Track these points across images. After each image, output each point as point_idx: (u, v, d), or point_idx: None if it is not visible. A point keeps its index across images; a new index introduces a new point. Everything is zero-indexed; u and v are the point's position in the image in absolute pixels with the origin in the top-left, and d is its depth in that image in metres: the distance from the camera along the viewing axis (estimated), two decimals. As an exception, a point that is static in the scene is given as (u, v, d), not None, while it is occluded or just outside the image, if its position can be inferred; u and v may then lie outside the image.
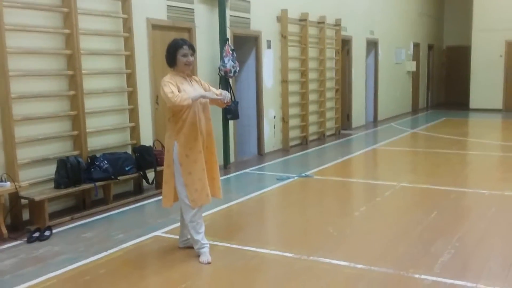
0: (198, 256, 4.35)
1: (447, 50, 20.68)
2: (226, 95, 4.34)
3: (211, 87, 4.50)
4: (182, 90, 4.14)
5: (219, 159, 8.27)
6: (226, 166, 8.24)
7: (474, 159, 9.27)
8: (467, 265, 4.18)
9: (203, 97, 4.23)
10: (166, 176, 4.36)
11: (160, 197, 6.43)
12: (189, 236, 4.53)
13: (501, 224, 5.27)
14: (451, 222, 5.27)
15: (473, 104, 17.52)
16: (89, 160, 5.91)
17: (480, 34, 17.19)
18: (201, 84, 4.45)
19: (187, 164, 4.20)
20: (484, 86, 17.23)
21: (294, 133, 10.51)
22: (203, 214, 5.61)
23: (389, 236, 4.96)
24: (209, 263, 4.26)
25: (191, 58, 4.30)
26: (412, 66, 17.01)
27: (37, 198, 5.23)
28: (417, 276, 3.94)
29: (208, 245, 4.39)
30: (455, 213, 5.66)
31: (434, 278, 3.90)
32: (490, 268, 4.10)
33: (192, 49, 4.34)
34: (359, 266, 4.16)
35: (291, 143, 10.34)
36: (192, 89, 4.24)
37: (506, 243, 4.71)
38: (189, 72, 4.41)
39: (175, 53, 4.26)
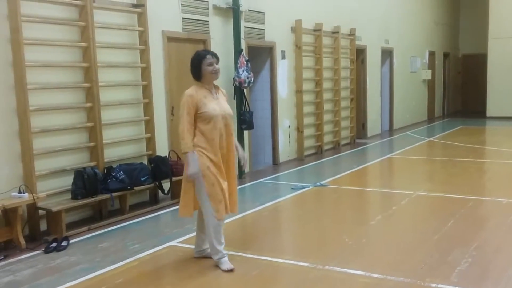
0: (218, 265, 4.36)
1: (463, 58, 20.56)
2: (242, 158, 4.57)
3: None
4: (204, 104, 4.17)
5: (235, 170, 8.30)
6: (241, 176, 8.26)
7: (491, 167, 9.17)
8: (485, 274, 4.14)
9: (190, 173, 4.17)
10: (186, 186, 4.36)
11: (176, 207, 6.52)
12: (204, 247, 4.55)
13: (519, 233, 5.21)
14: (468, 231, 5.22)
15: (490, 112, 17.37)
16: (105, 171, 5.98)
17: (496, 41, 17.07)
18: (227, 99, 4.51)
19: (210, 176, 4.20)
20: (501, 94, 17.07)
21: (309, 143, 10.51)
22: (226, 221, 5.66)
23: (405, 245, 4.93)
24: (232, 270, 4.28)
25: (217, 66, 4.31)
26: (427, 74, 16.94)
27: (54, 209, 5.30)
28: (433, 285, 3.91)
29: (227, 255, 4.41)
30: (472, 221, 5.61)
31: (451, 287, 3.86)
32: (509, 277, 4.05)
33: (216, 57, 4.35)
34: (375, 275, 4.14)
35: (306, 153, 10.34)
36: (215, 103, 4.26)
37: (524, 252, 4.66)
38: (215, 83, 4.42)
39: (200, 64, 4.26)
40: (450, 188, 7.20)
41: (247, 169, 4.52)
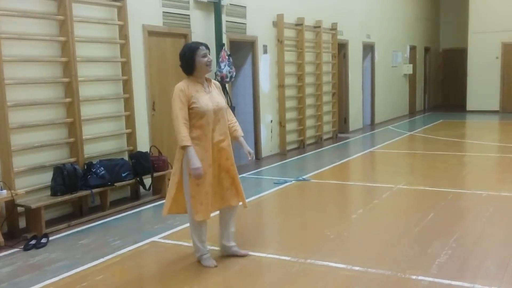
0: (199, 261, 4.33)
1: (443, 52, 20.74)
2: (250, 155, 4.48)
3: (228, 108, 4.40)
4: (196, 98, 4.02)
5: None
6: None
7: (472, 160, 9.28)
8: (464, 265, 4.18)
9: (192, 164, 3.96)
10: (170, 184, 4.22)
11: (157, 203, 6.52)
12: (230, 244, 4.43)
13: (498, 225, 5.27)
14: (448, 223, 5.28)
15: (470, 106, 17.57)
16: (85, 167, 5.91)
17: (476, 36, 17.25)
18: (221, 91, 4.34)
19: None
20: (480, 88, 17.27)
21: (291, 137, 10.52)
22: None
23: (386, 238, 4.96)
24: (215, 266, 4.25)
25: (210, 58, 4.16)
26: (408, 69, 17.06)
27: (33, 206, 5.23)
28: (414, 277, 3.94)
29: (209, 252, 4.36)
30: (452, 214, 5.67)
31: (431, 279, 3.90)
32: (487, 269, 4.10)
33: (208, 48, 4.20)
34: (356, 268, 4.16)
35: (288, 147, 10.35)
36: (208, 97, 4.10)
37: (503, 243, 4.72)
38: (208, 76, 4.27)
39: (193, 56, 4.07)
40: (430, 181, 7.27)
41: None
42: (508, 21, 16.58)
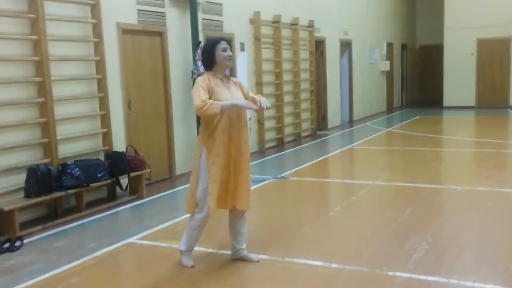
0: (180, 256, 4.28)
1: (420, 49, 20.93)
2: (264, 102, 4.08)
3: (250, 92, 4.27)
4: (216, 92, 3.95)
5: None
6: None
7: (448, 156, 9.38)
8: (440, 260, 4.21)
9: (235, 106, 3.97)
10: (191, 181, 4.17)
11: (135, 203, 6.45)
12: (240, 246, 4.32)
13: (474, 219, 5.33)
14: (425, 219, 5.32)
15: (446, 102, 17.76)
16: (60, 168, 5.81)
17: (452, 32, 17.44)
18: (240, 88, 4.23)
19: (213, 172, 4.00)
20: (456, 84, 17.47)
21: (270, 135, 10.52)
22: (181, 219, 5.61)
23: (363, 234, 4.98)
24: (192, 266, 4.22)
25: (230, 53, 4.10)
26: (386, 65, 17.18)
27: (6, 208, 5.12)
28: (391, 273, 3.96)
29: (191, 251, 4.31)
30: (428, 209, 5.71)
31: (408, 275, 3.92)
32: (463, 263, 4.14)
33: (229, 44, 4.15)
34: (334, 265, 4.17)
35: (267, 145, 10.34)
36: (228, 92, 4.03)
37: (478, 238, 4.77)
38: (228, 73, 4.21)
39: (213, 50, 4.03)
40: (407, 177, 7.33)
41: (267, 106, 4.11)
42: (483, 18, 16.79)
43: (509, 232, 4.89)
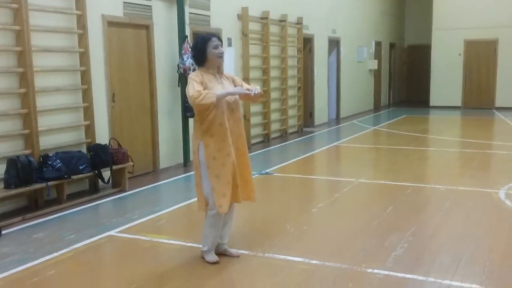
0: (203, 256, 4.21)
1: (408, 48, 21.02)
2: (255, 88, 4.03)
3: (244, 83, 4.26)
4: (210, 88, 3.91)
5: (179, 158, 8.21)
6: (186, 164, 8.16)
7: (432, 155, 9.43)
8: (419, 259, 4.23)
9: (231, 94, 3.98)
10: (196, 178, 4.13)
11: (116, 196, 6.41)
12: (221, 241, 4.29)
13: (454, 219, 5.36)
14: (406, 217, 5.34)
15: (433, 101, 17.86)
16: (41, 159, 5.76)
17: (440, 33, 17.53)
18: (233, 81, 4.21)
19: (215, 167, 3.96)
20: (443, 84, 17.58)
21: (256, 131, 10.50)
22: (163, 213, 5.58)
23: (344, 231, 4.99)
24: (217, 262, 4.15)
25: (222, 50, 4.09)
26: (374, 64, 17.23)
27: (-15, 199, 5.07)
28: (369, 270, 3.97)
29: (213, 249, 4.23)
30: (410, 208, 5.74)
31: (386, 272, 3.94)
32: (441, 262, 4.16)
33: (220, 40, 4.13)
34: (314, 262, 4.17)
35: (253, 141, 10.32)
36: (221, 87, 4.00)
37: (457, 237, 4.79)
38: (220, 68, 4.18)
39: (205, 46, 4.01)
40: (391, 176, 7.35)
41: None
42: (470, 19, 16.90)
43: (488, 232, 4.93)
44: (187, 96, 3.92)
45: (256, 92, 4.00)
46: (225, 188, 3.99)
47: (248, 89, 4.04)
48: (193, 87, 3.84)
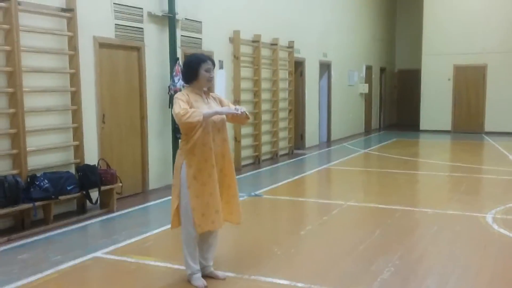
0: (189, 281, 4.15)
1: (398, 73, 21.25)
2: (239, 108, 4.03)
3: (231, 104, 4.24)
4: (195, 107, 3.89)
5: (169, 179, 8.19)
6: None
7: (421, 178, 9.48)
8: (405, 283, 4.23)
9: (218, 113, 3.98)
10: (173, 196, 4.13)
11: (104, 217, 6.38)
12: (207, 263, 4.25)
13: (441, 243, 5.37)
14: (394, 241, 5.35)
15: (423, 125, 18.01)
16: (28, 180, 5.74)
17: (430, 58, 17.77)
18: (220, 102, 4.21)
19: (195, 187, 3.95)
20: (433, 108, 17.75)
21: (246, 153, 10.52)
22: (150, 234, 5.55)
23: (332, 254, 4.98)
24: (206, 286, 4.08)
25: (213, 74, 4.12)
26: (364, 88, 17.38)
27: (-30, 219, 5.03)
28: (355, 294, 3.97)
29: (199, 271, 4.18)
30: (398, 231, 5.75)
31: (372, 296, 3.93)
32: (427, 286, 4.16)
33: (214, 64, 4.16)
34: (300, 285, 4.16)
35: (243, 163, 10.34)
36: (207, 107, 3.99)
37: (444, 261, 4.79)
38: (207, 89, 4.18)
39: (198, 67, 4.02)
40: (380, 199, 7.37)
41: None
42: (460, 45, 17.15)
43: (475, 256, 4.94)
44: (173, 114, 3.91)
45: (242, 111, 4.02)
46: (204, 208, 3.99)
47: (236, 108, 4.05)
48: (179, 106, 3.84)
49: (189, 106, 3.90)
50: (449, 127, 17.59)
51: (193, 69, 4.05)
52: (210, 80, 4.10)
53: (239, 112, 3.98)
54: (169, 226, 5.84)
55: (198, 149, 3.96)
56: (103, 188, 6.41)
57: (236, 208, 4.28)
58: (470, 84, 17.33)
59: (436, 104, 17.69)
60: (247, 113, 4.13)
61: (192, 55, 4.20)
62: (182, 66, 4.16)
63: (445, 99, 17.58)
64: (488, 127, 17.06)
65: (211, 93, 4.25)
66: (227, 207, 4.22)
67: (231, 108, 4.11)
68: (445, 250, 5.11)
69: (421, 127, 17.99)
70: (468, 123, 17.36)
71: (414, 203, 7.34)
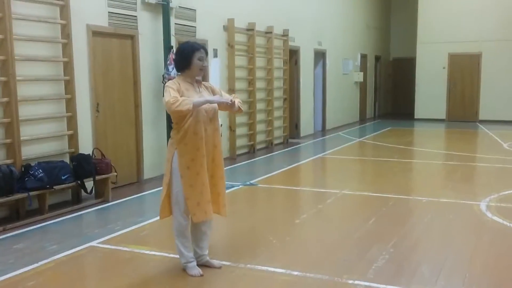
0: (184, 270, 4.15)
1: (393, 61, 21.23)
2: (228, 98, 4.03)
3: (223, 93, 4.22)
4: (187, 96, 3.85)
5: (163, 168, 8.18)
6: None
7: (416, 167, 9.51)
8: (399, 270, 4.25)
9: (209, 102, 3.92)
10: (163, 185, 4.10)
11: (99, 207, 6.38)
12: (202, 252, 4.23)
13: (435, 230, 5.41)
14: (388, 229, 5.37)
15: (418, 114, 18.03)
16: (23, 169, 5.72)
17: (424, 46, 17.75)
18: (212, 91, 4.16)
19: (189, 176, 3.93)
20: (428, 97, 17.76)
21: (241, 142, 10.51)
22: (145, 223, 5.57)
23: (326, 242, 5.00)
24: (202, 275, 4.09)
25: (206, 63, 4.08)
26: (359, 76, 17.37)
27: (-36, 209, 5.01)
28: (350, 281, 3.98)
29: (194, 259, 4.18)
30: (392, 219, 5.77)
31: (367, 283, 3.95)
32: (422, 273, 4.18)
33: (207, 53, 4.11)
34: (295, 273, 4.17)
35: (238, 152, 10.34)
36: (198, 96, 3.94)
37: (438, 248, 4.83)
38: (200, 78, 4.14)
39: (191, 55, 3.97)
40: (374, 187, 7.40)
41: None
42: (454, 33, 17.14)
43: (468, 243, 4.97)
44: (164, 103, 3.88)
45: (235, 100, 4.01)
46: (198, 197, 3.98)
47: (228, 98, 4.04)
48: (169, 94, 3.80)
49: (180, 94, 3.87)
50: (443, 116, 17.62)
51: (186, 58, 4.00)
52: (203, 69, 4.07)
53: (229, 102, 3.96)
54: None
55: (189, 138, 3.94)
56: (97, 177, 6.39)
57: (224, 201, 4.26)
58: (464, 73, 17.34)
59: (430, 92, 17.70)
60: (241, 105, 4.12)
61: (185, 43, 4.15)
62: (175, 53, 4.09)
63: (440, 87, 17.59)
64: (482, 115, 17.10)
65: (203, 82, 4.21)
66: (220, 200, 4.21)
67: (225, 97, 4.10)
68: (439, 238, 5.15)
69: (416, 116, 18.01)
70: (463, 111, 17.39)
71: (408, 191, 7.37)
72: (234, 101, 4.02)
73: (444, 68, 17.51)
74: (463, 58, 17.21)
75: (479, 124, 16.33)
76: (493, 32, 16.67)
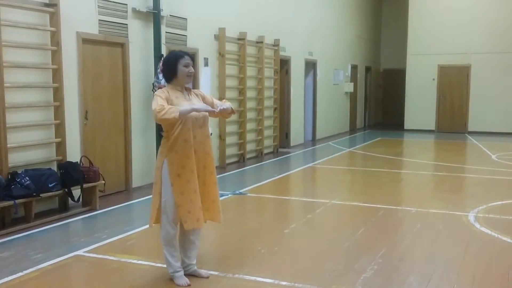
0: (172, 280, 4.10)
1: (383, 72, 21.36)
2: (220, 105, 4.02)
3: (214, 100, 4.21)
4: (176, 104, 3.85)
5: (153, 177, 8.13)
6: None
7: (405, 177, 9.53)
8: (388, 281, 4.24)
9: (196, 110, 3.91)
10: (153, 193, 4.09)
11: (87, 215, 6.32)
12: (190, 262, 4.21)
13: (424, 241, 5.40)
14: (377, 239, 5.36)
15: (407, 124, 18.12)
16: (9, 177, 5.65)
17: (414, 58, 17.88)
18: (203, 98, 4.15)
19: (180, 184, 3.92)
20: (418, 108, 17.87)
21: (231, 151, 10.49)
22: (132, 232, 5.51)
23: (315, 252, 4.98)
24: (189, 285, 4.05)
25: (192, 69, 4.06)
26: (350, 87, 17.44)
27: (-51, 216, 4.94)
28: (339, 292, 3.97)
29: (182, 269, 4.14)
30: (381, 230, 5.77)
31: (355, 294, 3.93)
32: (410, 284, 4.17)
33: (192, 59, 4.11)
34: (284, 283, 4.15)
35: (228, 161, 10.31)
36: (187, 104, 3.93)
37: (426, 259, 4.82)
38: (189, 85, 4.14)
39: (176, 63, 3.98)
40: (364, 197, 7.39)
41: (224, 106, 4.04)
42: (444, 45, 17.29)
43: (457, 254, 4.96)
44: (152, 110, 3.88)
45: (223, 108, 4.01)
46: (189, 205, 3.96)
47: (216, 105, 4.03)
48: (157, 102, 3.80)
49: (169, 103, 3.86)
50: (433, 127, 17.72)
51: (172, 66, 4.01)
52: (190, 75, 4.06)
53: (217, 110, 3.97)
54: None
55: (180, 145, 3.93)
56: (85, 185, 6.34)
57: (219, 208, 4.27)
58: (454, 84, 17.49)
59: (420, 103, 17.81)
60: (232, 107, 4.12)
61: (169, 53, 4.19)
62: (162, 64, 4.12)
63: (429, 99, 17.72)
64: (471, 127, 17.22)
65: (193, 90, 4.20)
66: (214, 206, 4.20)
67: (216, 103, 4.10)
68: (427, 249, 5.14)
69: (406, 127, 18.10)
70: (452, 122, 17.52)
71: (397, 201, 7.37)
72: (224, 107, 4.01)
73: (433, 79, 17.65)
74: (452, 69, 17.36)
75: (468, 135, 16.44)
76: (482, 44, 16.84)
